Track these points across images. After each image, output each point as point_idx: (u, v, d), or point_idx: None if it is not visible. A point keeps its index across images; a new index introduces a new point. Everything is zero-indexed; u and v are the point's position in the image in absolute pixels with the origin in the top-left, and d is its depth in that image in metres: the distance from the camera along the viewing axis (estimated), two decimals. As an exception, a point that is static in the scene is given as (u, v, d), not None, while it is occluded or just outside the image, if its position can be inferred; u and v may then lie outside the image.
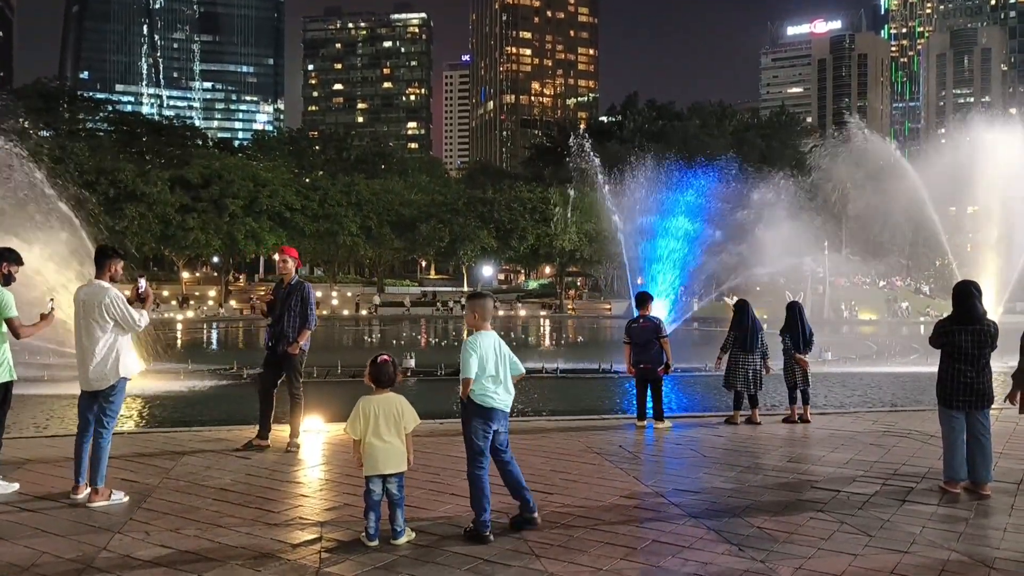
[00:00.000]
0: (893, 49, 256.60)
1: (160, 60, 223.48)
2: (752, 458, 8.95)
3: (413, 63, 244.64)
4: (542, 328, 51.54)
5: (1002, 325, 7.69)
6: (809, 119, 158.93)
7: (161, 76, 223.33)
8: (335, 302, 69.18)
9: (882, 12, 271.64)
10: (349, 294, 74.74)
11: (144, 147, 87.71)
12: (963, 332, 7.38)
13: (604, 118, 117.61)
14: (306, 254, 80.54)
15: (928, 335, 7.95)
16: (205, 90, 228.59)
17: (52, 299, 7.31)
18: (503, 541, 5.88)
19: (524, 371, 6.37)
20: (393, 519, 5.78)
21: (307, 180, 77.67)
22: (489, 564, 5.39)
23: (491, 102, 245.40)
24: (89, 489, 6.79)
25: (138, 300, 7.13)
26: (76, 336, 7.00)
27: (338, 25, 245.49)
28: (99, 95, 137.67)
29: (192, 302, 65.95)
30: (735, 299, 11.93)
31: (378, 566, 5.35)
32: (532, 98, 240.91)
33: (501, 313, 57.38)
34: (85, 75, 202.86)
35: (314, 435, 9.77)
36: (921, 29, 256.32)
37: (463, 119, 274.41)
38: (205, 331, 46.67)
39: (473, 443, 6.08)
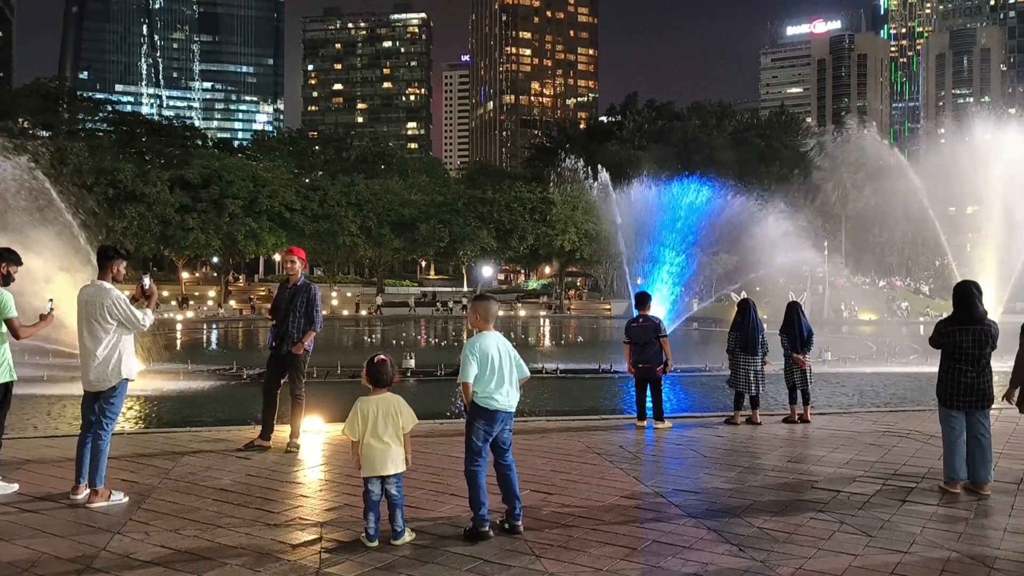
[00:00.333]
0: (892, 49, 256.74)
1: (160, 60, 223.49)
2: (752, 458, 8.95)
3: (413, 63, 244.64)
4: (542, 328, 51.55)
5: (1002, 325, 7.69)
6: (809, 119, 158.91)
7: (161, 76, 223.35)
8: (335, 302, 69.16)
9: (881, 12, 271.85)
10: (349, 294, 74.75)
11: (144, 147, 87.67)
12: (964, 332, 7.37)
13: (604, 118, 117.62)
14: (306, 254, 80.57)
15: (928, 335, 7.95)
16: (205, 90, 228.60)
17: (51, 300, 7.31)
18: (503, 542, 5.87)
19: (529, 374, 6.34)
20: (393, 519, 5.78)
21: (307, 180, 77.63)
22: (489, 564, 5.39)
23: (491, 102, 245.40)
24: (88, 490, 6.78)
25: (143, 298, 7.13)
26: (79, 337, 6.99)
27: (338, 25, 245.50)
28: (99, 95, 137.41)
29: (192, 302, 65.96)
30: (741, 296, 11.93)
31: (378, 567, 5.35)
32: (532, 98, 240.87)
33: (501, 313, 57.35)
34: (85, 75, 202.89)
35: (314, 436, 9.76)
36: (920, 29, 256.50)
37: (463, 119, 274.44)
38: (205, 331, 46.68)
39: (472, 443, 6.08)
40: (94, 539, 5.85)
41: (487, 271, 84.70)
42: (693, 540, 5.93)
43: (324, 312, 9.35)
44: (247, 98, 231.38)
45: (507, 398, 6.10)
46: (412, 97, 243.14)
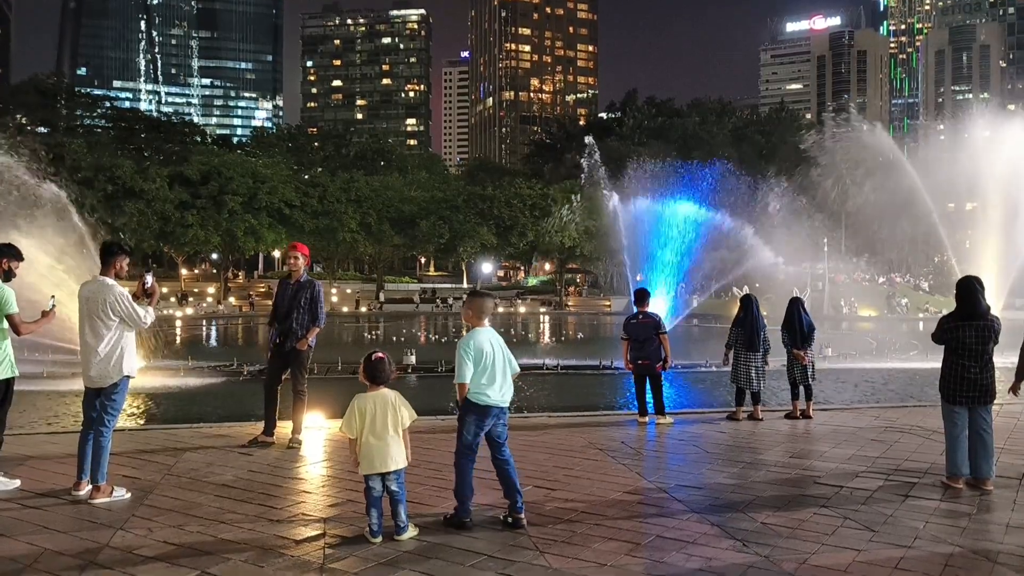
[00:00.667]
0: (892, 46, 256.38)
1: (158, 56, 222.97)
2: (754, 454, 8.95)
3: (412, 60, 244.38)
4: (542, 325, 51.56)
5: (1002, 321, 7.68)
6: (808, 116, 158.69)
7: (159, 72, 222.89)
8: (335, 299, 69.08)
9: (881, 8, 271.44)
10: (349, 291, 74.70)
11: (142, 144, 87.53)
12: (967, 328, 7.37)
13: (604, 115, 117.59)
14: (309, 250, 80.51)
15: (928, 331, 7.95)
16: (203, 86, 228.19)
17: (53, 296, 7.29)
18: (506, 536, 5.88)
19: (519, 369, 6.41)
20: (395, 515, 5.78)
21: (306, 177, 77.52)
22: (493, 560, 5.39)
23: (490, 99, 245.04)
24: (90, 486, 6.78)
25: (144, 296, 7.11)
26: (80, 333, 6.97)
27: (337, 21, 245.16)
28: (97, 91, 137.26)
29: (191, 299, 65.93)
30: (744, 291, 11.92)
31: (382, 562, 5.35)
32: (531, 95, 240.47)
33: (500, 310, 57.36)
34: (82, 71, 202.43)
35: (316, 432, 9.76)
36: (920, 25, 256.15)
37: (462, 116, 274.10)
38: (204, 328, 46.67)
39: (463, 437, 6.13)
40: (97, 535, 5.85)
41: (487, 267, 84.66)
42: (697, 535, 5.93)
43: (324, 309, 9.33)
44: (246, 94, 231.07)
45: (499, 393, 6.14)
46: (411, 93, 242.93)
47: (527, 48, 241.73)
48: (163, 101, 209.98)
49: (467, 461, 6.10)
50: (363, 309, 62.99)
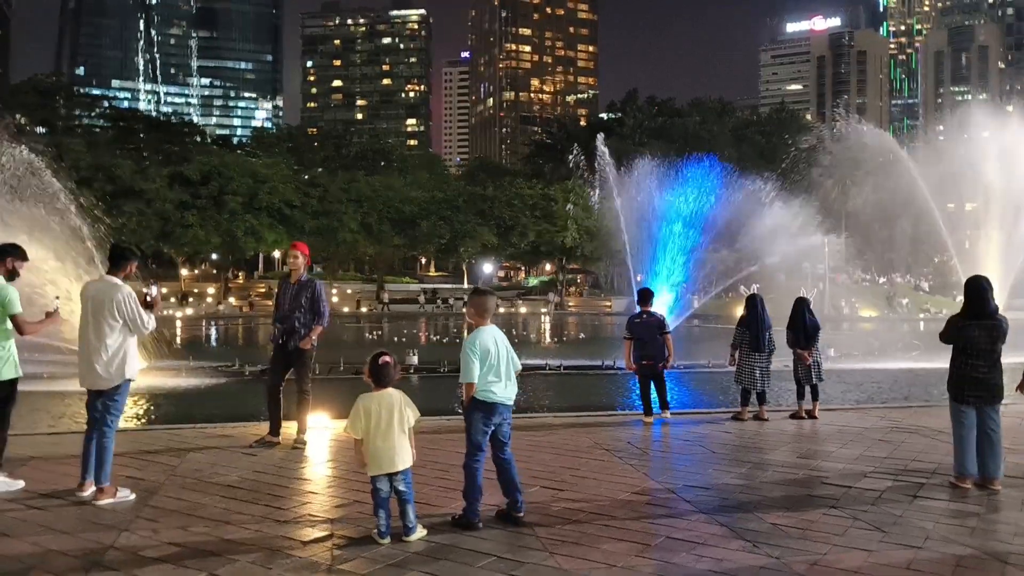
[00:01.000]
0: (892, 46, 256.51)
1: (157, 56, 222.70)
2: (761, 454, 8.92)
3: (412, 60, 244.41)
4: (543, 325, 51.52)
5: (1006, 321, 7.64)
6: (809, 116, 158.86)
7: (158, 72, 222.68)
8: (335, 299, 68.96)
9: (880, 9, 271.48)
10: (349, 291, 74.64)
11: (142, 144, 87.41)
12: (976, 327, 7.34)
13: (604, 115, 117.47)
14: (309, 250, 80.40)
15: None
16: (203, 86, 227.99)
17: (58, 298, 7.26)
18: (514, 537, 5.85)
19: (520, 366, 6.40)
20: (404, 515, 5.74)
21: (306, 177, 77.46)
22: (502, 560, 5.36)
23: (491, 99, 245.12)
24: (94, 487, 6.74)
25: (147, 307, 7.07)
26: (82, 333, 6.92)
27: (337, 21, 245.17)
28: (96, 91, 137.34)
29: (191, 299, 65.86)
30: (752, 290, 11.89)
31: (391, 563, 5.31)
32: (532, 95, 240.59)
33: (502, 310, 57.33)
34: (81, 71, 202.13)
35: (321, 432, 9.72)
36: (919, 26, 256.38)
37: (462, 116, 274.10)
38: (205, 328, 46.64)
39: (472, 437, 6.11)
40: (102, 536, 5.81)
41: (487, 268, 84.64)
42: (706, 536, 5.90)
43: (327, 307, 9.30)
44: (246, 94, 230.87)
45: (505, 391, 6.14)
46: (411, 94, 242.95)
47: (527, 48, 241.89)
48: (162, 101, 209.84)
49: (477, 462, 6.08)
50: (363, 309, 62.93)
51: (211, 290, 73.64)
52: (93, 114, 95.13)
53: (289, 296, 9.02)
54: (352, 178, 73.16)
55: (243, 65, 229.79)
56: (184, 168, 65.74)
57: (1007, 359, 7.58)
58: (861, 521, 6.27)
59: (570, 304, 71.90)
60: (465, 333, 6.73)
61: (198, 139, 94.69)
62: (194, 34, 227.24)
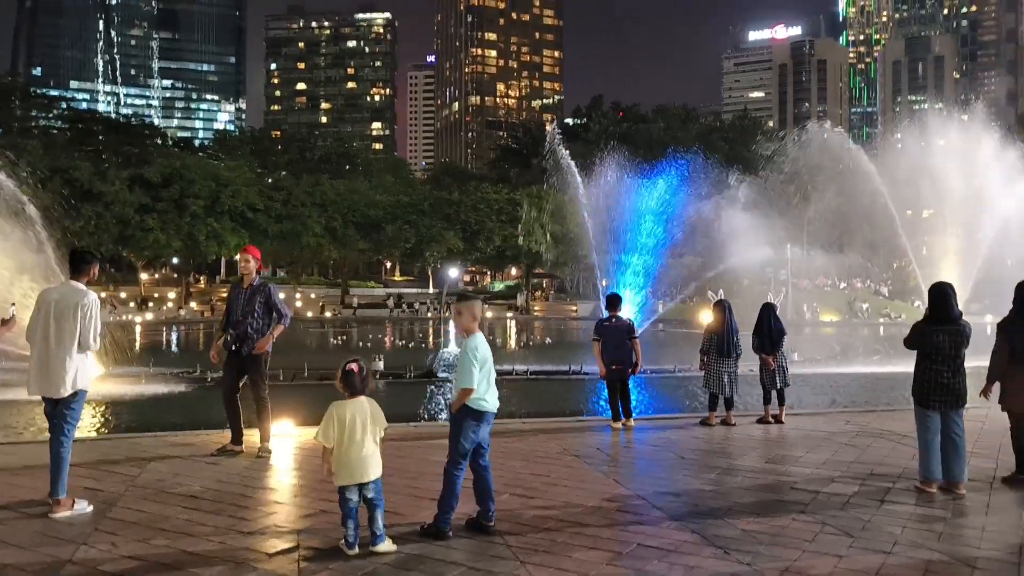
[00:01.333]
0: (851, 56, 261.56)
1: (117, 57, 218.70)
2: (730, 460, 8.95)
3: (377, 63, 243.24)
4: (509, 330, 51.47)
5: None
6: (771, 123, 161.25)
7: (118, 73, 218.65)
8: (299, 304, 68.22)
9: (840, 19, 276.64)
10: (313, 295, 73.91)
11: (101, 145, 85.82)
12: (941, 333, 7.44)
13: (569, 120, 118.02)
14: (269, 255, 79.43)
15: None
16: (164, 88, 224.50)
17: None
18: (485, 547, 5.76)
19: (495, 373, 6.33)
20: (372, 523, 5.61)
21: (270, 180, 76.67)
22: (473, 571, 5.27)
23: (456, 103, 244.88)
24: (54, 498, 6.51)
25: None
26: (36, 339, 6.66)
27: (301, 24, 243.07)
28: (53, 92, 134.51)
29: (151, 304, 64.68)
30: (719, 296, 11.97)
31: (360, 574, 5.20)
32: (497, 100, 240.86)
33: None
34: (38, 71, 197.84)
35: (286, 440, 9.54)
36: (878, 36, 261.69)
37: (428, 120, 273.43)
38: (165, 333, 45.81)
39: (461, 445, 5.99)
40: (58, 550, 5.61)
41: (453, 272, 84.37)
42: (678, 543, 5.87)
43: (287, 308, 9.12)
44: (208, 97, 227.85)
45: (494, 399, 6.09)
46: (377, 97, 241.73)
47: (493, 53, 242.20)
48: (122, 103, 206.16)
49: (460, 469, 5.97)
50: (328, 314, 62.30)
51: (172, 295, 72.41)
52: (50, 115, 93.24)
53: (242, 301, 8.82)
54: (316, 182, 72.51)
55: (205, 67, 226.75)
56: (145, 171, 64.67)
57: (970, 363, 7.69)
58: (830, 526, 6.29)
59: (536, 309, 71.95)
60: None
61: (159, 141, 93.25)
62: (155, 35, 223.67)
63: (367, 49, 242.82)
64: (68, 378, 6.59)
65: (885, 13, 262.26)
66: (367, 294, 79.03)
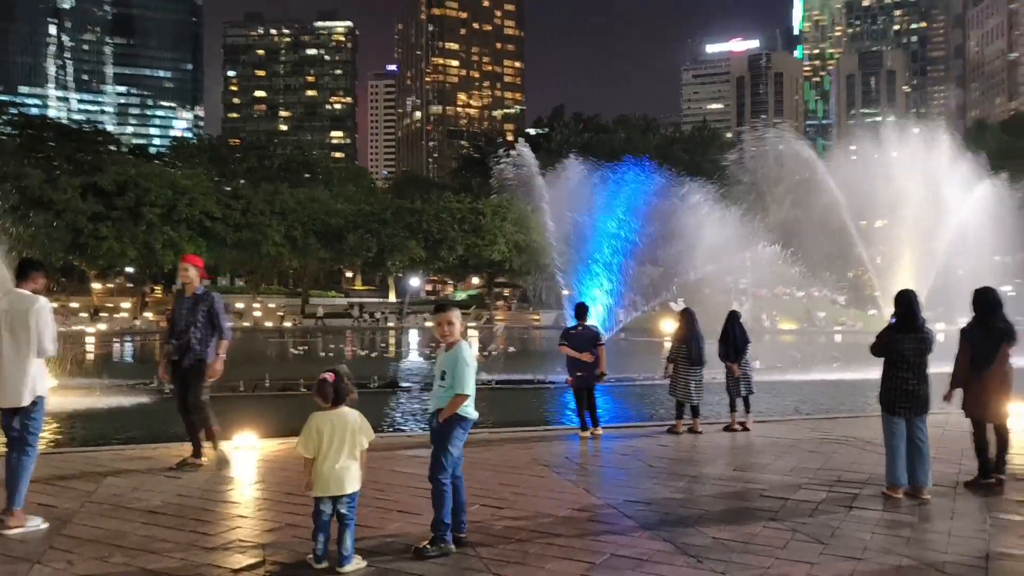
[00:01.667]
0: (806, 69, 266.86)
1: (69, 62, 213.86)
2: (698, 467, 8.97)
3: (338, 71, 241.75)
4: (471, 339, 51.30)
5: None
6: (729, 134, 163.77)
7: (70, 79, 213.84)
8: (257, 314, 67.28)
9: (796, 33, 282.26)
10: (272, 305, 72.91)
11: (52, 152, 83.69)
12: (906, 340, 7.54)
13: (531, 130, 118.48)
14: (228, 264, 78.17)
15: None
16: (119, 94, 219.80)
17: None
18: (456, 559, 5.66)
19: None
20: (341, 542, 5.44)
21: (228, 189, 75.43)
22: (446, 585, 5.17)
23: (418, 112, 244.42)
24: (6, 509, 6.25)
25: None
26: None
27: (260, 31, 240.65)
28: (2, 97, 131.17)
29: (104, 314, 63.16)
30: (681, 305, 12.03)
31: (329, 591, 5.06)
32: (459, 109, 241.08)
33: (428, 324, 56.82)
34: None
35: (249, 452, 9.32)
36: (832, 51, 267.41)
37: (389, 129, 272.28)
38: (120, 344, 44.73)
39: (450, 454, 5.89)
40: (12, 569, 5.38)
41: (415, 281, 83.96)
42: (651, 552, 5.83)
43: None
44: (164, 103, 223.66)
45: (475, 407, 6.04)
46: (337, 106, 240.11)
47: (455, 63, 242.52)
48: (74, 108, 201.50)
49: (449, 478, 5.86)
50: (287, 324, 61.48)
51: (126, 304, 70.79)
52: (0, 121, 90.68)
53: (184, 311, 8.56)
54: (276, 190, 71.58)
55: (161, 73, 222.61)
56: (98, 178, 63.12)
57: (933, 370, 7.80)
58: (801, 533, 6.31)
59: (498, 318, 71.85)
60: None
61: (113, 148, 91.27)
62: (109, 40, 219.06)
63: (327, 57, 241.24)
64: (27, 386, 6.40)
65: (839, 28, 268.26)
66: (328, 303, 78.17)
